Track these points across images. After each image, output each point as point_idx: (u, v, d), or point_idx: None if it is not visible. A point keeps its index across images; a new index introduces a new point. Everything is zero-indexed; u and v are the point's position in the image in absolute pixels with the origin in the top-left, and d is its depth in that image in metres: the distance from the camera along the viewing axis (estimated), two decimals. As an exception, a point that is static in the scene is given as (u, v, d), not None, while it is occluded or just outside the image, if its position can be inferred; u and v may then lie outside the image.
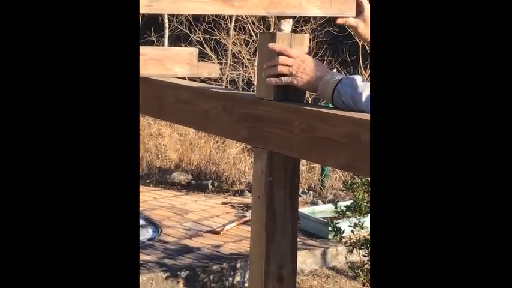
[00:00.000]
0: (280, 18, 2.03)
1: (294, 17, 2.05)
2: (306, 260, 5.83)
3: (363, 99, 1.82)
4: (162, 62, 2.36)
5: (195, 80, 3.00)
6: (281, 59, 1.89)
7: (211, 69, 2.44)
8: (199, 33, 9.22)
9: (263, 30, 8.44)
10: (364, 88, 1.82)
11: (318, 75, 1.89)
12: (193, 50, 2.41)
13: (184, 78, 2.50)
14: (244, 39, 9.03)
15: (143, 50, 2.40)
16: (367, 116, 1.76)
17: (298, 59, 1.89)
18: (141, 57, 2.32)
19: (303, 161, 7.44)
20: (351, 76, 1.87)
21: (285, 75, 1.90)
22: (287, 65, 1.89)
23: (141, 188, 7.56)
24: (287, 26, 1.99)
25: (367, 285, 4.97)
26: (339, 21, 2.10)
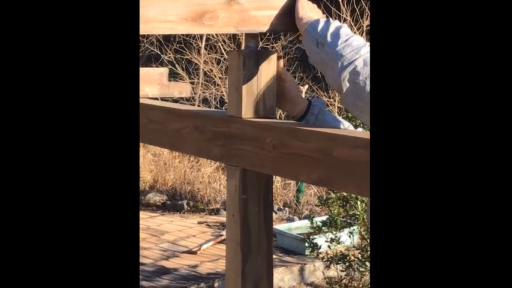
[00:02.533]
0: (249, 36, 2.04)
1: (264, 35, 2.07)
2: (284, 277, 5.82)
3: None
4: (132, 83, 2.35)
5: (167, 100, 3.00)
6: None
7: (182, 89, 2.44)
8: (170, 53, 9.22)
9: (234, 48, 8.46)
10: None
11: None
12: (164, 70, 2.41)
13: (156, 99, 2.50)
14: (216, 58, 9.04)
15: (113, 71, 2.39)
16: (338, 131, 1.77)
17: None
18: (111, 79, 2.31)
19: (278, 178, 7.45)
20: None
21: None
22: None
23: (116, 210, 7.50)
24: (254, 42, 1.99)
25: (345, 300, 4.97)
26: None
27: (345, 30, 1.91)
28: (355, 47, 1.85)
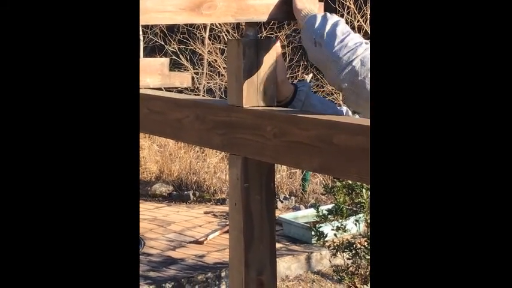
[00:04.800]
0: (248, 25, 2.04)
1: (267, 24, 2.07)
2: (291, 265, 5.83)
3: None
4: (133, 73, 2.36)
5: (171, 91, 3.00)
6: None
7: (183, 79, 2.44)
8: (174, 44, 9.22)
9: (238, 38, 8.45)
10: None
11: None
12: (165, 60, 2.41)
13: (160, 89, 2.50)
14: (220, 48, 9.03)
15: (114, 62, 2.40)
16: (338, 118, 1.77)
17: None
18: (111, 70, 2.31)
19: (283, 167, 7.45)
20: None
21: None
22: None
23: (123, 202, 7.51)
24: (252, 31, 1.99)
25: (352, 288, 4.98)
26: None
27: (342, 27, 1.90)
28: (352, 47, 1.86)
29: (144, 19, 1.93)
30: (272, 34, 8.63)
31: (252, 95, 1.95)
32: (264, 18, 2.01)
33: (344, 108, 2.21)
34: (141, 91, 2.37)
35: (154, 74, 2.36)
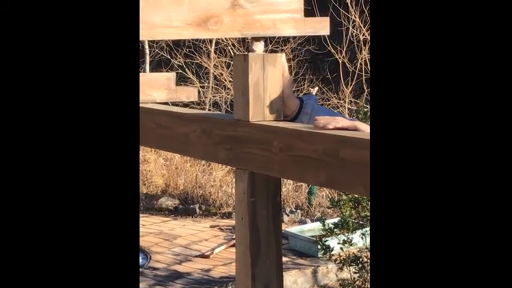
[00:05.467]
0: (255, 40, 2.05)
1: (273, 38, 2.08)
2: (297, 279, 5.82)
3: None
4: (139, 88, 2.37)
5: (177, 105, 3.01)
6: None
7: (189, 93, 2.45)
8: (180, 58, 9.24)
9: (242, 52, 8.48)
10: None
11: None
12: (171, 75, 2.42)
13: (167, 104, 2.51)
14: (225, 62, 9.06)
15: (121, 76, 2.40)
16: (344, 133, 1.78)
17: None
18: (118, 84, 2.32)
19: (289, 180, 7.44)
20: None
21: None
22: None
23: (129, 215, 7.51)
24: (259, 46, 2.00)
25: (358, 302, 4.96)
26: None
27: None
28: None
29: (151, 34, 1.94)
30: (278, 48, 8.65)
31: (258, 110, 1.96)
32: (270, 32, 2.02)
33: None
34: (147, 105, 2.38)
35: (160, 89, 2.37)
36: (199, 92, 8.66)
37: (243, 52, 8.56)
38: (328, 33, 2.16)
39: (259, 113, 1.96)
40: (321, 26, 2.15)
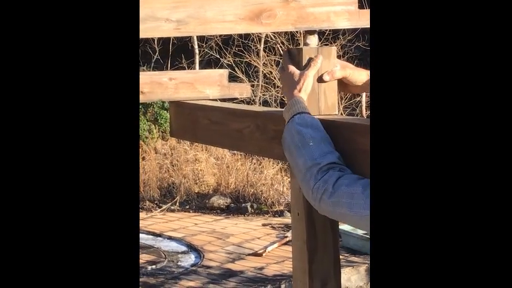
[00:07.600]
0: (308, 33, 2.02)
1: (324, 32, 2.06)
2: (351, 277, 5.78)
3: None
4: (193, 85, 2.37)
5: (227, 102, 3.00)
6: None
7: (242, 89, 2.44)
8: (229, 57, 9.26)
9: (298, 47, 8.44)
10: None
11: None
12: (224, 72, 2.41)
13: (216, 101, 2.51)
14: (275, 60, 9.04)
15: (174, 74, 2.41)
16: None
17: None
18: (172, 81, 2.33)
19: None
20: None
21: None
22: None
23: (181, 214, 7.57)
24: (313, 40, 1.97)
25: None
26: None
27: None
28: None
29: (205, 29, 1.93)
30: (327, 44, 8.61)
31: (313, 104, 1.93)
32: (323, 25, 1.99)
33: None
34: (201, 102, 2.38)
35: (213, 85, 2.36)
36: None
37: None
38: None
39: (314, 107, 1.94)
40: (375, 18, 2.11)
